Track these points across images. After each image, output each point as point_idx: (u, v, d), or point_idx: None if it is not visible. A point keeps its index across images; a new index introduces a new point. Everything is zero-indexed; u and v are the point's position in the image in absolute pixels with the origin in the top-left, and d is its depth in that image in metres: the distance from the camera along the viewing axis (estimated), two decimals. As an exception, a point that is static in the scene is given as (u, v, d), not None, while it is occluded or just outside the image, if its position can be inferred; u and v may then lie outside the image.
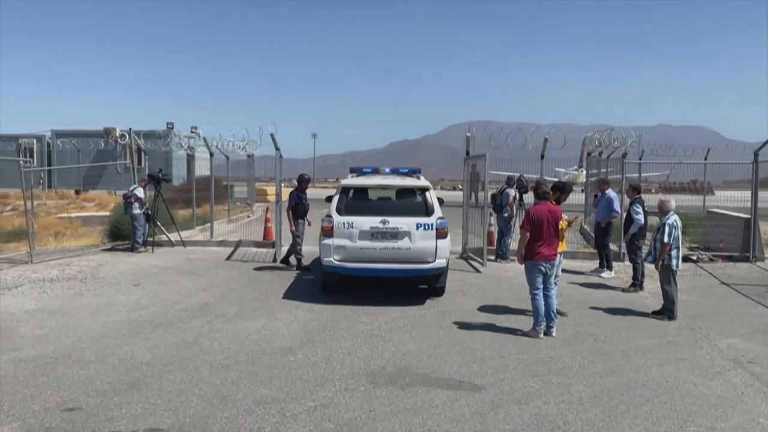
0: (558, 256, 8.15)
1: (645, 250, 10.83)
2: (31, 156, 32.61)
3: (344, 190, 10.20)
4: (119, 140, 21.37)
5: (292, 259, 12.47)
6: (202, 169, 26.92)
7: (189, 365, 6.29)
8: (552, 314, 7.72)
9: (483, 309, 9.10)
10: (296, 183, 12.64)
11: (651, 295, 10.34)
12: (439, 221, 9.59)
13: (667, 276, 8.70)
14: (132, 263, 13.01)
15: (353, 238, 9.48)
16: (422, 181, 10.56)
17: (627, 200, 11.97)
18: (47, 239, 16.67)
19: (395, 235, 9.47)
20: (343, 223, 9.58)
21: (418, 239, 9.45)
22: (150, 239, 14.79)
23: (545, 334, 7.66)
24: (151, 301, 9.42)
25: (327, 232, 9.63)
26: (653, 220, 11.03)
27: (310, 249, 12.62)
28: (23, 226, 18.60)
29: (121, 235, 15.76)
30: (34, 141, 32.55)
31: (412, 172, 11.21)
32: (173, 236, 15.45)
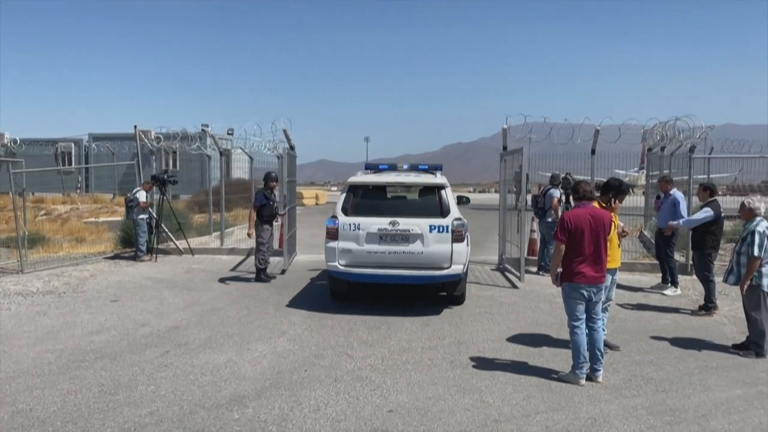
0: (609, 276, 6.26)
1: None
2: (70, 160, 32.36)
3: (351, 189, 9.11)
4: (154, 142, 20.42)
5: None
6: (240, 171, 25.86)
7: (94, 424, 4.71)
8: (598, 353, 5.81)
9: (513, 339, 7.25)
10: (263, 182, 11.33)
11: (729, 320, 8.27)
12: (455, 222, 8.55)
13: (756, 300, 6.65)
14: (126, 274, 11.70)
15: (360, 240, 8.53)
16: (437, 178, 9.29)
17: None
18: (60, 245, 15.72)
19: (406, 237, 8.50)
20: (349, 225, 8.60)
21: (431, 242, 8.46)
22: (154, 247, 13.51)
23: (588, 379, 5.77)
24: (116, 322, 7.98)
25: (331, 234, 8.67)
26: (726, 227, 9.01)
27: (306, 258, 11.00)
28: (41, 231, 17.82)
29: (131, 241, 14.59)
30: (72, 145, 32.23)
31: (433, 169, 10.01)
32: (181, 243, 14.14)
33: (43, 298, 9.56)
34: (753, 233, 6.54)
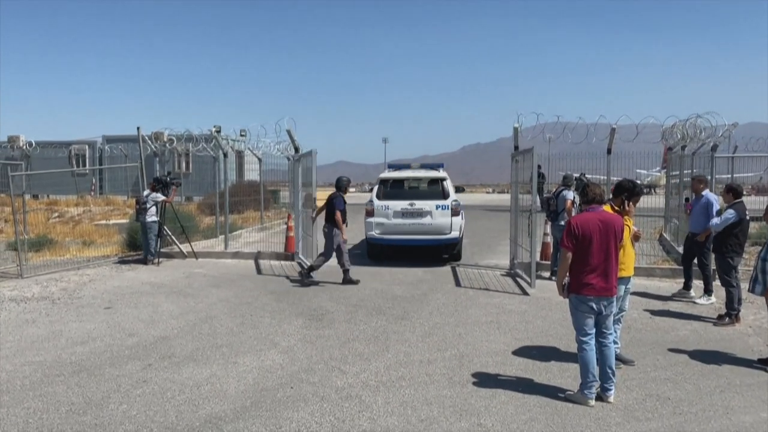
0: (622, 285, 5.77)
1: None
2: (84, 162, 32.39)
3: (382, 182, 13.09)
4: (167, 144, 20.22)
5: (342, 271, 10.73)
6: (252, 173, 25.57)
7: (53, 451, 4.35)
8: (609, 371, 5.32)
9: (519, 352, 6.77)
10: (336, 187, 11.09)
11: (753, 330, 7.72)
12: (453, 202, 12.34)
13: None
14: (126, 279, 11.40)
15: (389, 216, 12.30)
16: (440, 173, 13.31)
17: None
18: (68, 249, 15.52)
19: (420, 213, 12.26)
20: (381, 206, 12.39)
21: (437, 216, 12.18)
22: (158, 250, 13.22)
23: (598, 399, 5.29)
24: (104, 331, 7.65)
25: (369, 212, 12.46)
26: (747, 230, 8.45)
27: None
28: (51, 234, 17.67)
29: (136, 245, 14.31)
30: (86, 147, 32.22)
31: (437, 166, 13.98)
32: (185, 246, 13.83)
33: (37, 304, 9.28)
34: None
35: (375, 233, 12.26)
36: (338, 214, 10.51)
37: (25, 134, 31.12)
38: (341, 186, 10.99)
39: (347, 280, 10.55)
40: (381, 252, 12.81)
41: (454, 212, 12.15)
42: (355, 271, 10.97)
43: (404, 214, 12.09)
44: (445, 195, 12.47)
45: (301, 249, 13.45)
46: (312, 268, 10.78)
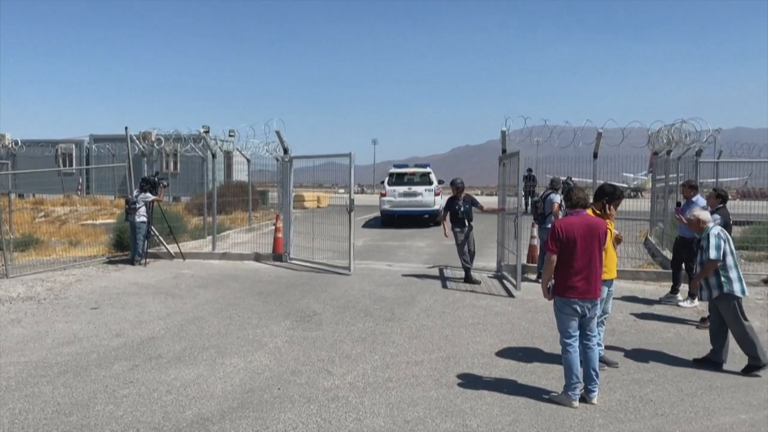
0: (605, 287, 5.84)
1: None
2: (71, 161, 32.16)
3: (390, 175, 20.88)
4: (155, 144, 20.12)
5: (476, 276, 11.26)
6: (240, 173, 25.47)
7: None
8: (593, 373, 5.40)
9: (504, 353, 6.83)
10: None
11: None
12: (435, 187, 20.13)
13: (733, 310, 6.35)
14: (113, 279, 11.35)
15: (396, 196, 20.13)
16: (428, 169, 21.19)
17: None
18: (54, 248, 15.40)
19: (415, 194, 20.04)
20: (391, 190, 20.21)
21: (426, 196, 19.73)
22: (146, 251, 13.17)
23: (582, 400, 5.36)
24: (91, 332, 7.62)
25: (383, 194, 20.35)
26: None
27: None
28: (37, 233, 17.53)
29: (123, 245, 14.24)
30: (73, 146, 32.00)
31: (425, 165, 21.69)
32: (172, 247, 13.79)
33: (22, 304, 9.23)
34: (708, 236, 6.37)
35: (387, 207, 20.04)
36: (441, 214, 11.49)
37: (11, 132, 30.85)
38: (454, 187, 11.41)
39: (468, 278, 11.00)
40: (391, 220, 20.42)
41: (436, 194, 19.97)
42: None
43: (405, 194, 19.89)
44: (430, 183, 20.32)
45: (292, 250, 13.47)
46: (468, 272, 11.04)
